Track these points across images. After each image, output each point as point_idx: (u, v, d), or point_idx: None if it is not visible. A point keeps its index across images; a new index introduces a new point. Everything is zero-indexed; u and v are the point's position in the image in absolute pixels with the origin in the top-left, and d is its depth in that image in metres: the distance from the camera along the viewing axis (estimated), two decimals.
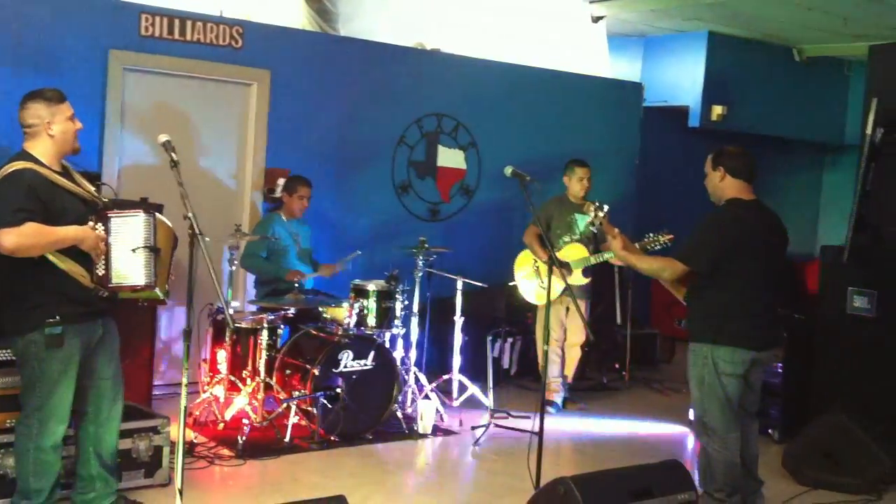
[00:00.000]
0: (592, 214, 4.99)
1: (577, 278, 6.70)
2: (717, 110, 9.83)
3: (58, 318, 3.96)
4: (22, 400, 4.13)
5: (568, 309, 6.85)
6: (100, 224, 4.00)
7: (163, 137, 4.07)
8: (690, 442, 6.47)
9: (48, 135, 4.02)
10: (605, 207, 4.99)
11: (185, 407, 3.92)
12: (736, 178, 4.58)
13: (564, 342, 6.98)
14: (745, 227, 4.51)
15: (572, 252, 6.77)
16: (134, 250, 3.93)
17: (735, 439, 4.59)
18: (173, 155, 4.01)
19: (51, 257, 3.92)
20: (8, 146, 5.80)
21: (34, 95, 4.05)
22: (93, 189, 4.22)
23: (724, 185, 4.60)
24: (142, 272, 4.01)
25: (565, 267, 6.62)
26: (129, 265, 4.00)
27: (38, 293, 3.96)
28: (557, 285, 6.24)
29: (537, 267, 6.79)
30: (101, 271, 4.01)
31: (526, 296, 6.98)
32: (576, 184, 6.96)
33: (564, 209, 6.95)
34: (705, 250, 4.49)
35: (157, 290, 4.16)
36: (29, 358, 4.01)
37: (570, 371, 7.13)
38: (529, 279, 6.90)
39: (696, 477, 4.67)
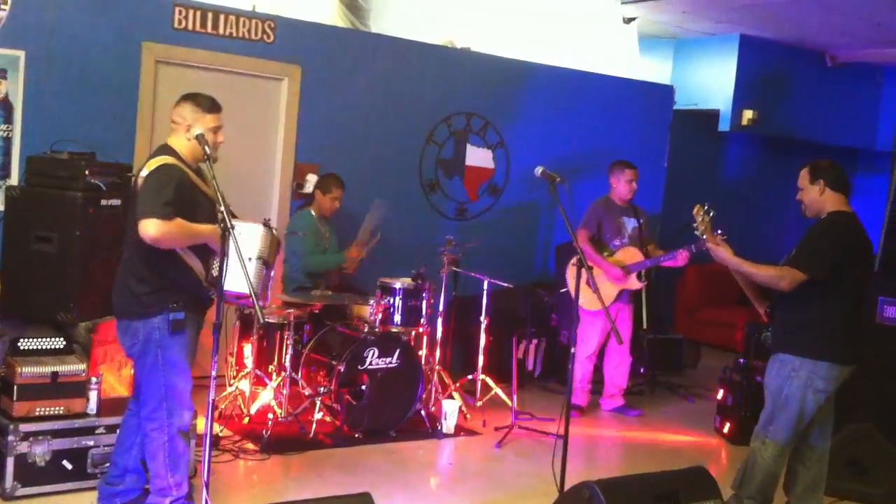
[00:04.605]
0: (700, 218, 4.77)
1: (632, 282, 6.67)
2: (748, 114, 9.74)
3: (180, 303, 4.01)
4: (144, 394, 4.10)
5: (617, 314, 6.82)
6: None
7: (196, 130, 4.08)
8: (716, 448, 6.44)
9: (185, 137, 4.08)
10: (712, 212, 4.78)
11: (213, 400, 3.93)
12: (836, 191, 4.58)
13: (605, 347, 6.94)
14: (853, 237, 4.53)
15: (627, 256, 6.72)
16: (249, 259, 3.94)
17: (786, 454, 4.62)
18: (207, 148, 4.02)
19: (178, 250, 3.98)
20: (43, 136, 5.87)
21: (189, 97, 4.15)
22: (220, 192, 4.27)
23: (823, 199, 4.59)
24: (251, 281, 3.98)
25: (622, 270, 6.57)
26: (240, 272, 3.99)
27: (161, 280, 4.01)
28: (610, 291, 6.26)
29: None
30: (215, 272, 4.05)
31: (579, 302, 6.92)
32: (624, 185, 6.90)
33: (612, 212, 6.89)
34: (824, 257, 4.44)
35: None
36: (151, 345, 4.02)
37: (623, 380, 7.12)
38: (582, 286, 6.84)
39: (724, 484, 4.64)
